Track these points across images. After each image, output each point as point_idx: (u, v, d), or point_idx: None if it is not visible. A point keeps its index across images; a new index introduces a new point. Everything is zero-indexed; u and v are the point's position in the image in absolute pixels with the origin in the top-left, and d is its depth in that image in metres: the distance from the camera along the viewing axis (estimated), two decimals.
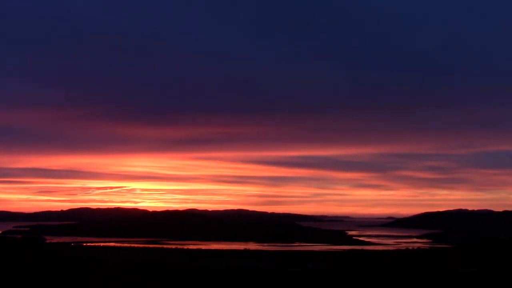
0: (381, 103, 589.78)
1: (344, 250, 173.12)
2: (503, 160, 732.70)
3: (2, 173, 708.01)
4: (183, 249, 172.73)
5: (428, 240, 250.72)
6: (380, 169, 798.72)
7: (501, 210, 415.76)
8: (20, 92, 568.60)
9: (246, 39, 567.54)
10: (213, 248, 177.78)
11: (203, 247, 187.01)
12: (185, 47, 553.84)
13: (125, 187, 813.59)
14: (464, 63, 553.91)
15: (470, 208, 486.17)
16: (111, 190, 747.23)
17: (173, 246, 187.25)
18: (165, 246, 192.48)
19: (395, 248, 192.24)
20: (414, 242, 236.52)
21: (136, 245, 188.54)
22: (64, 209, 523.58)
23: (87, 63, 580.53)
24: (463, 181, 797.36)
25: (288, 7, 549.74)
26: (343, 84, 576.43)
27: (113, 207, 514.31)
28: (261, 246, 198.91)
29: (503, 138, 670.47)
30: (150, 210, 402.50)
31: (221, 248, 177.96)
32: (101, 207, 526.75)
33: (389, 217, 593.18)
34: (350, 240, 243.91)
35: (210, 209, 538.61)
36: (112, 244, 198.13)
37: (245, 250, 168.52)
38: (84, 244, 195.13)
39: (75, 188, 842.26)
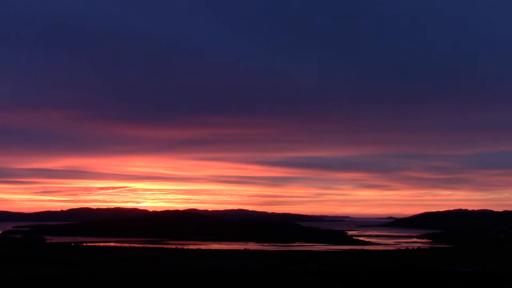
0: (382, 104, 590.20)
1: (344, 250, 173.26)
2: (503, 161, 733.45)
3: (5, 174, 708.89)
4: (183, 249, 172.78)
5: (428, 240, 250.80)
6: (380, 169, 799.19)
7: (501, 210, 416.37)
8: (22, 93, 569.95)
9: (247, 40, 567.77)
10: (213, 248, 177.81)
11: (203, 247, 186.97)
12: (187, 48, 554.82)
13: (127, 187, 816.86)
14: (465, 65, 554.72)
15: (470, 208, 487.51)
16: (113, 190, 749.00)
17: (173, 246, 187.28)
18: (165, 246, 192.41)
19: (395, 248, 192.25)
20: (414, 242, 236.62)
21: (136, 245, 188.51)
22: (64, 209, 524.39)
23: (90, 64, 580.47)
24: (463, 181, 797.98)
25: (286, 8, 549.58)
26: (344, 85, 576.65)
27: (113, 207, 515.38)
28: (261, 246, 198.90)
29: (504, 139, 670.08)
30: (151, 210, 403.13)
31: (221, 248, 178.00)
32: (101, 207, 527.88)
33: (389, 217, 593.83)
34: (350, 240, 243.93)
35: (210, 209, 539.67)
36: (112, 244, 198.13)
37: (245, 250, 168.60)
38: (84, 244, 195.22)
39: (77, 189, 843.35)
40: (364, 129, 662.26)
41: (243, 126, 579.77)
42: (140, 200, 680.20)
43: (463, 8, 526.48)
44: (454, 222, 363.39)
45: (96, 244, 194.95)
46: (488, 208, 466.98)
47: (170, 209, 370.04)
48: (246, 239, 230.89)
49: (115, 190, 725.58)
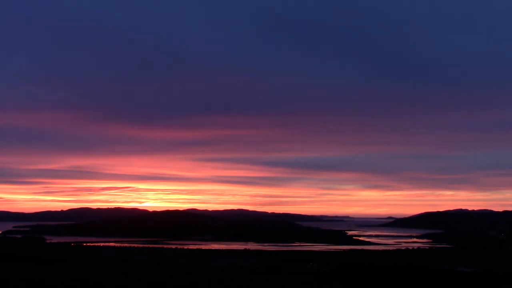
0: (382, 105, 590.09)
1: (344, 250, 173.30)
2: (503, 161, 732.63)
3: (8, 174, 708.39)
4: (183, 249, 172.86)
5: (428, 240, 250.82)
6: (380, 169, 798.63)
7: (501, 210, 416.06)
8: (24, 93, 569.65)
9: (248, 41, 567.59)
10: (213, 248, 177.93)
11: (203, 247, 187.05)
12: (189, 49, 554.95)
13: (130, 187, 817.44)
14: (467, 66, 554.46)
15: (470, 208, 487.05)
16: (116, 190, 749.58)
17: (173, 246, 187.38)
18: (165, 246, 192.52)
19: (395, 248, 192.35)
20: (414, 242, 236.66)
21: (136, 245, 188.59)
22: (64, 209, 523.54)
23: (92, 65, 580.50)
24: (463, 181, 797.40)
25: (288, 8, 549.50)
26: (346, 86, 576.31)
27: (113, 207, 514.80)
28: (261, 246, 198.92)
29: (504, 139, 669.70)
30: (151, 210, 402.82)
31: (221, 248, 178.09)
32: (101, 207, 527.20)
33: (389, 217, 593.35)
34: (350, 240, 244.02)
35: (210, 209, 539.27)
36: (112, 244, 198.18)
37: (245, 250, 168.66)
38: (84, 244, 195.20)
39: (80, 189, 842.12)
40: (365, 129, 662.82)
41: (243, 127, 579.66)
42: (143, 200, 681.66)
43: (466, 9, 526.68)
44: (454, 222, 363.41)
45: (96, 244, 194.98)
46: (488, 208, 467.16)
47: (171, 209, 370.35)
48: (246, 239, 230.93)
49: (117, 190, 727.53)
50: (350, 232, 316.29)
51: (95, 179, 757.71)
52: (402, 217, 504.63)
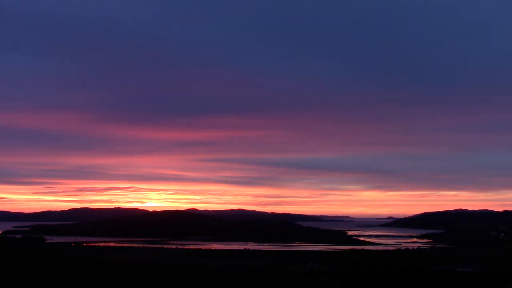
0: (383, 106, 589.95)
1: (344, 250, 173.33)
2: (503, 161, 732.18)
3: (10, 174, 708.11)
4: (183, 248, 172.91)
5: (428, 240, 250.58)
6: (380, 169, 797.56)
7: (501, 210, 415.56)
8: (27, 94, 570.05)
9: (250, 42, 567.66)
10: (213, 248, 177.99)
11: (203, 247, 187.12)
12: (192, 50, 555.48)
13: (133, 187, 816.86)
14: (470, 69, 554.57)
15: (470, 208, 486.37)
16: (118, 190, 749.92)
17: (173, 246, 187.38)
18: (165, 246, 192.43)
19: (395, 248, 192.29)
20: (414, 242, 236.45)
21: (136, 245, 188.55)
22: (64, 209, 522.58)
23: (95, 67, 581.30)
24: (463, 181, 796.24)
25: (289, 10, 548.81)
26: (347, 87, 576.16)
27: (113, 207, 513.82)
28: (261, 246, 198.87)
29: (504, 140, 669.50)
30: (151, 210, 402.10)
31: (221, 248, 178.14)
32: (101, 207, 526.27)
33: (389, 217, 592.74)
34: (350, 240, 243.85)
35: (210, 209, 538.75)
36: (112, 244, 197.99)
37: (245, 250, 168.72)
38: (84, 244, 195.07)
39: (82, 189, 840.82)
40: (366, 130, 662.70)
41: (245, 127, 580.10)
42: (145, 200, 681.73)
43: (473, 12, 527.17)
44: (454, 222, 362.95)
45: (96, 244, 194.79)
46: (488, 208, 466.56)
47: (171, 209, 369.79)
48: (246, 239, 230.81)
49: (120, 190, 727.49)
50: (350, 232, 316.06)
51: (97, 179, 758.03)
52: (402, 217, 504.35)
